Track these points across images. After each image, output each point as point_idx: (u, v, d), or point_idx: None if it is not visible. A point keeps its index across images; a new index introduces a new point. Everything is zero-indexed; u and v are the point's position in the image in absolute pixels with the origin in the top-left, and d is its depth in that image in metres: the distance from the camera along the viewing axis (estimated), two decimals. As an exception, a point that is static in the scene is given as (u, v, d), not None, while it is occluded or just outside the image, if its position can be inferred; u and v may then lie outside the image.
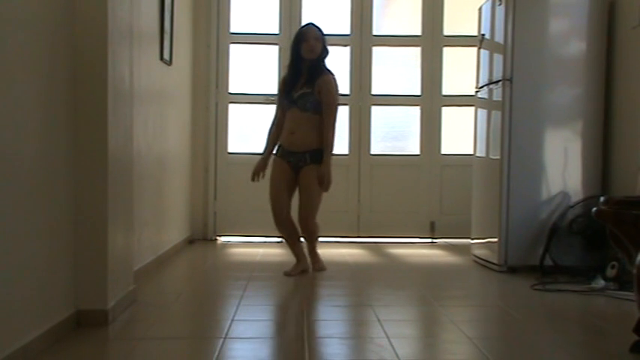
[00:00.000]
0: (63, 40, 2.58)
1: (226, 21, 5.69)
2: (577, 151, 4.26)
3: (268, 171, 4.11)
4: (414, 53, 5.82)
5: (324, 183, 3.97)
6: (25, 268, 2.25)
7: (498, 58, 4.29)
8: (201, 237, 5.62)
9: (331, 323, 3.04)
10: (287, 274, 3.99)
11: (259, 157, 4.16)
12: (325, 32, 4.09)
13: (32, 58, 2.31)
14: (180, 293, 3.55)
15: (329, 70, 4.04)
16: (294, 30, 5.43)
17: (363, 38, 5.74)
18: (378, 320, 2.90)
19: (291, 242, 4.14)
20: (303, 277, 3.97)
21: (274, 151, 4.13)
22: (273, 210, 4.05)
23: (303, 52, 3.96)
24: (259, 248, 5.24)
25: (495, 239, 4.23)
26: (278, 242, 5.55)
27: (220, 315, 3.12)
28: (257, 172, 4.11)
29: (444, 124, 5.79)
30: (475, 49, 4.77)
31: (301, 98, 3.95)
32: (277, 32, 5.67)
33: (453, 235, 5.63)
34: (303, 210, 4.03)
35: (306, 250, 4.17)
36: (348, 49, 5.71)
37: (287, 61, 4.18)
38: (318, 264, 4.13)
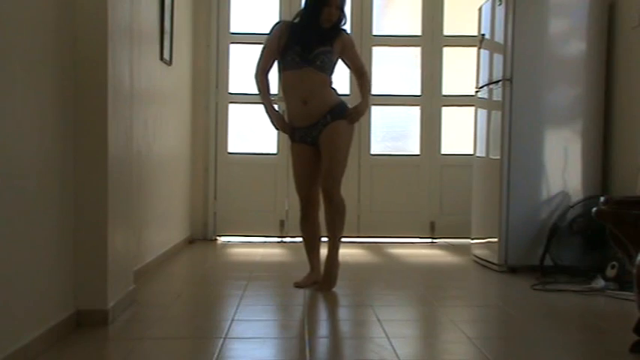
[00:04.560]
0: (63, 40, 2.58)
1: (226, 21, 5.69)
2: (577, 151, 4.26)
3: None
4: (414, 53, 5.83)
5: (354, 116, 3.56)
6: (25, 269, 2.25)
7: (498, 58, 4.29)
8: (201, 237, 5.62)
9: (331, 323, 3.05)
10: (298, 285, 3.60)
11: (269, 114, 3.62)
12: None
13: (32, 58, 2.30)
14: (180, 293, 3.55)
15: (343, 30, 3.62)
16: (294, 30, 5.46)
17: (363, 38, 5.73)
18: (378, 320, 2.90)
19: (311, 246, 3.69)
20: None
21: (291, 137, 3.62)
22: (301, 201, 3.63)
23: (322, 19, 3.45)
24: (259, 248, 5.24)
25: (495, 239, 4.23)
26: (278, 242, 5.56)
27: (220, 315, 3.12)
28: (283, 126, 3.62)
29: (444, 124, 5.79)
30: (475, 49, 4.77)
31: (319, 57, 3.46)
32: (277, 32, 5.66)
33: (453, 235, 5.63)
34: (328, 178, 3.48)
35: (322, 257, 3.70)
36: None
37: (295, 17, 3.63)
38: (330, 279, 3.55)
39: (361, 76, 3.73)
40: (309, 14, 3.50)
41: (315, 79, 3.49)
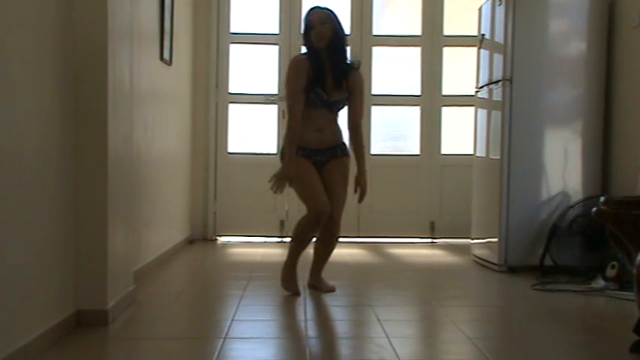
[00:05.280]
0: (63, 40, 2.58)
1: (226, 21, 5.69)
2: (577, 151, 4.26)
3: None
4: (414, 53, 5.83)
5: (364, 194, 3.71)
6: (25, 268, 2.25)
7: (498, 58, 4.29)
8: (201, 237, 5.62)
9: (331, 323, 3.05)
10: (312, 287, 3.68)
11: (285, 161, 3.52)
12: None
13: (32, 58, 2.30)
14: (180, 293, 3.55)
15: (354, 64, 3.67)
16: (294, 30, 5.46)
17: (363, 38, 5.74)
18: (378, 320, 2.91)
19: (305, 246, 3.65)
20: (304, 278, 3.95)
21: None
22: (317, 208, 3.45)
23: (314, 42, 3.57)
24: (259, 248, 5.24)
25: (495, 239, 4.23)
26: (278, 242, 5.56)
27: (220, 315, 3.12)
28: (285, 181, 3.52)
29: (444, 124, 5.79)
30: (475, 49, 4.77)
31: (337, 105, 3.60)
32: (277, 32, 5.67)
33: (453, 235, 5.63)
34: (338, 207, 3.56)
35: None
36: (348, 49, 5.69)
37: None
38: (325, 285, 3.67)
39: (356, 129, 3.65)
40: (306, 43, 3.61)
41: (327, 116, 3.59)
